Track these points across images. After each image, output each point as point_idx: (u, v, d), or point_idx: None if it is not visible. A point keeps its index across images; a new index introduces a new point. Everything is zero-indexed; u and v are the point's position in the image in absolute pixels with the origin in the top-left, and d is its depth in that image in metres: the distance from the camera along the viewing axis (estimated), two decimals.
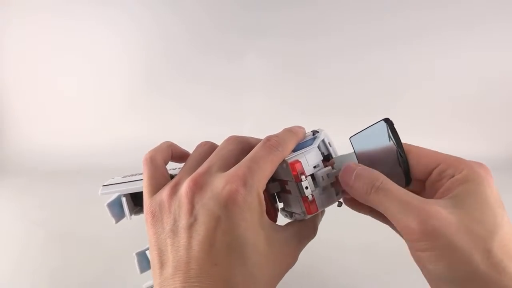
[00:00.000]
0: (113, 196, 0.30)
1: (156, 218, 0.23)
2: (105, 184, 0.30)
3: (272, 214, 0.25)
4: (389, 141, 0.21)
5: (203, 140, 0.28)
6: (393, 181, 0.21)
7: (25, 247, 0.59)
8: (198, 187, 0.22)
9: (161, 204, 0.23)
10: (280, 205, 0.28)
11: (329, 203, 0.25)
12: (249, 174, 0.21)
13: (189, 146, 0.29)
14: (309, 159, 0.24)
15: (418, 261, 0.20)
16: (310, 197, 0.23)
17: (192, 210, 0.21)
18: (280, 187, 0.26)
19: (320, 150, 0.26)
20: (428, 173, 0.21)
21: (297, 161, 0.23)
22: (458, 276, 0.19)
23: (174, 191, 0.23)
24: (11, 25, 1.02)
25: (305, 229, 0.26)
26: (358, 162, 0.24)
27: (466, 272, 0.18)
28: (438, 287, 0.20)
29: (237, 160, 0.24)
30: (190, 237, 0.20)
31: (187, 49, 1.04)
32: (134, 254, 0.32)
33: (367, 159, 0.24)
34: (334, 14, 0.97)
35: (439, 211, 0.19)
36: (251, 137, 0.27)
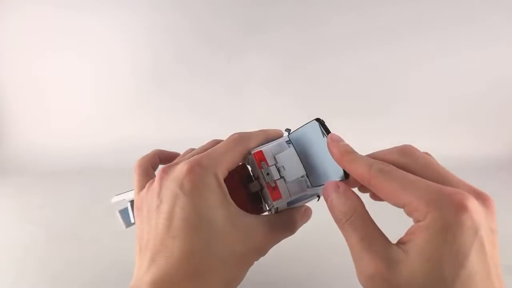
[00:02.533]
0: (125, 204, 0.33)
1: (140, 210, 0.25)
2: (118, 194, 0.33)
3: (248, 209, 0.26)
4: (323, 136, 0.24)
5: (204, 139, 0.29)
6: (331, 174, 0.23)
7: (25, 247, 0.58)
8: (165, 173, 0.24)
9: (142, 197, 0.25)
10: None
11: (298, 193, 0.25)
12: (206, 157, 0.23)
13: (190, 144, 0.30)
14: (273, 150, 0.26)
15: None
16: (272, 183, 0.25)
17: (159, 193, 0.23)
18: (260, 186, 0.27)
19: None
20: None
21: (259, 151, 0.25)
22: None
23: (151, 184, 0.25)
24: (9, 20, 0.97)
25: (280, 220, 0.26)
26: (298, 155, 0.25)
27: None
28: None
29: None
30: (157, 217, 0.23)
31: (189, 48, 1.03)
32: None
33: (306, 154, 0.25)
34: (337, 10, 0.97)
35: (382, 264, 0.18)
36: None
